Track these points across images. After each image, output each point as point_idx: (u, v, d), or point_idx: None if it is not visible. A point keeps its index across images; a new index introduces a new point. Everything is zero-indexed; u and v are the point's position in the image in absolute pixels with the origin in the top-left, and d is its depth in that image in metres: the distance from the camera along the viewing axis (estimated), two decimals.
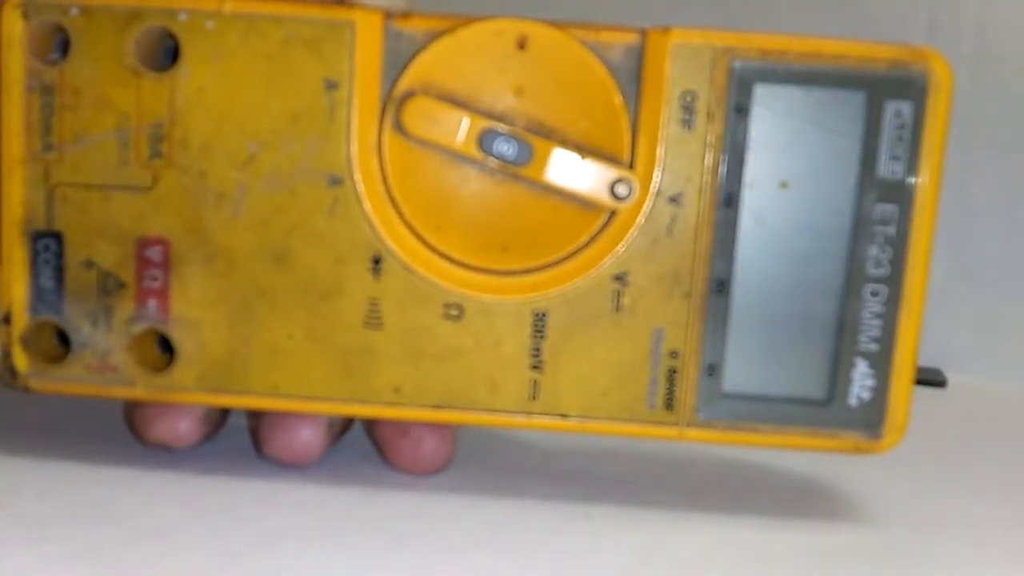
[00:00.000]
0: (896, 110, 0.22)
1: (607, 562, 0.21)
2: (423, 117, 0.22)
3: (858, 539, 0.23)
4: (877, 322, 0.23)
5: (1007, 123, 0.40)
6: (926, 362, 0.40)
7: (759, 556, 0.22)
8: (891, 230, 0.23)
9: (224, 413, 0.25)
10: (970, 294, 0.41)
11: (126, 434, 0.25)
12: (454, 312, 0.23)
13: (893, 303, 0.23)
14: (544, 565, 0.21)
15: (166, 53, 0.22)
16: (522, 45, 0.22)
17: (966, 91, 0.40)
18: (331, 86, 0.22)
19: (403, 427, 0.24)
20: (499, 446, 0.28)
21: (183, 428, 0.24)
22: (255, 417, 0.24)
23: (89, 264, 0.23)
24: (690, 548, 0.22)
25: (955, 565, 0.22)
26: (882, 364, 0.23)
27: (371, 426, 0.25)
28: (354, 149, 0.22)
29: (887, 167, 0.23)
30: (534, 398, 0.23)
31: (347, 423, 0.25)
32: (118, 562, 0.19)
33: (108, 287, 0.23)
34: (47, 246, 0.23)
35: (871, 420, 0.23)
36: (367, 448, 0.26)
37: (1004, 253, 0.41)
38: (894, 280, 0.23)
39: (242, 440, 0.26)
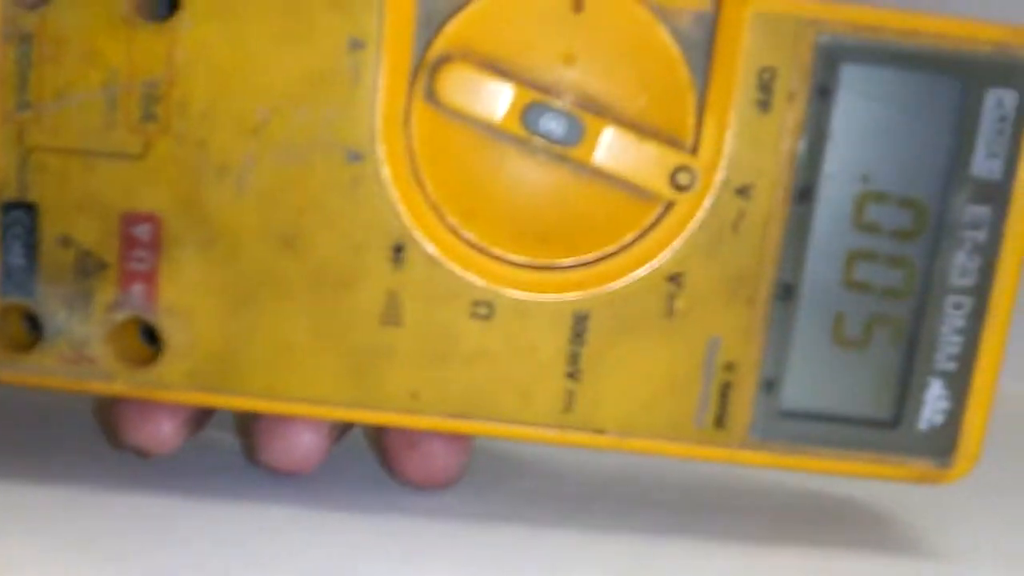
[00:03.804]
0: (998, 100, 0.20)
1: None
2: (460, 86, 0.19)
3: (863, 541, 0.22)
4: (958, 339, 0.21)
5: None
6: None
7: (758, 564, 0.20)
8: (982, 236, 0.20)
9: (209, 414, 0.22)
10: None
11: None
12: (483, 310, 0.20)
13: (977, 318, 0.20)
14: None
15: (164, 1, 0.19)
16: (578, 6, 0.19)
17: None
18: (356, 46, 0.19)
19: (411, 436, 0.21)
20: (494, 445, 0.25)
21: (166, 432, 0.21)
22: (248, 419, 0.22)
23: (67, 241, 0.20)
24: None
25: (957, 564, 0.21)
26: (959, 386, 0.21)
27: (376, 433, 0.22)
28: (379, 120, 0.19)
29: (983, 164, 0.20)
30: (568, 410, 0.20)
31: (347, 424, 0.22)
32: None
33: (88, 268, 0.20)
34: (18, 219, 0.19)
35: (942, 447, 0.21)
36: (367, 455, 0.23)
37: None
38: (981, 292, 0.20)
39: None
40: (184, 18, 0.19)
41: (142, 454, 0.21)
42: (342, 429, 0.22)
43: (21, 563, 0.18)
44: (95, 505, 0.20)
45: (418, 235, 0.20)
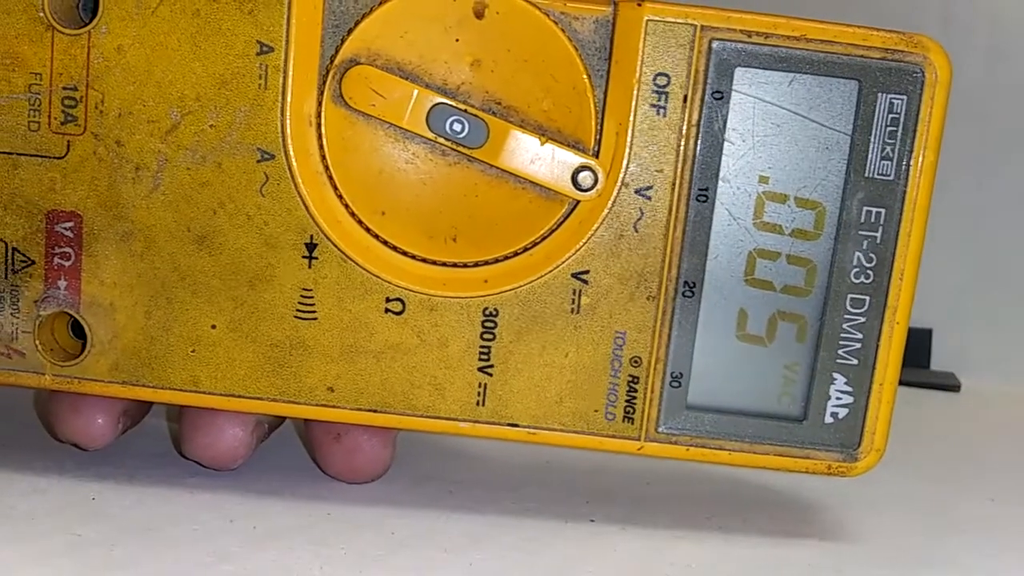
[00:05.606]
0: (889, 104, 0.20)
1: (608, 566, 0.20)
2: (367, 88, 0.20)
3: (871, 546, 0.22)
4: (858, 334, 0.21)
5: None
6: (940, 366, 0.39)
7: (760, 566, 0.21)
8: (878, 235, 0.21)
9: (145, 407, 0.23)
10: (985, 296, 0.38)
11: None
12: (396, 306, 0.21)
13: (876, 315, 0.21)
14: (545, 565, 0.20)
15: (84, 7, 0.20)
16: (479, 14, 0.20)
17: (981, 85, 0.38)
18: (264, 50, 0.20)
19: (336, 430, 0.22)
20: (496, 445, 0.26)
21: (99, 425, 0.21)
22: (177, 412, 0.22)
23: None
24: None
25: (969, 571, 0.21)
26: (861, 380, 0.21)
27: (304, 427, 0.23)
28: (289, 121, 0.20)
29: (876, 166, 0.21)
30: (481, 404, 0.21)
31: (276, 420, 0.23)
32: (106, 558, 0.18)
33: (15, 264, 0.20)
34: None
35: (847, 440, 0.22)
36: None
37: (1021, 253, 0.38)
38: (878, 290, 0.21)
39: None
40: (101, 25, 0.20)
41: (78, 447, 0.22)
42: (270, 425, 0.23)
43: None
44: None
45: (330, 233, 0.20)
